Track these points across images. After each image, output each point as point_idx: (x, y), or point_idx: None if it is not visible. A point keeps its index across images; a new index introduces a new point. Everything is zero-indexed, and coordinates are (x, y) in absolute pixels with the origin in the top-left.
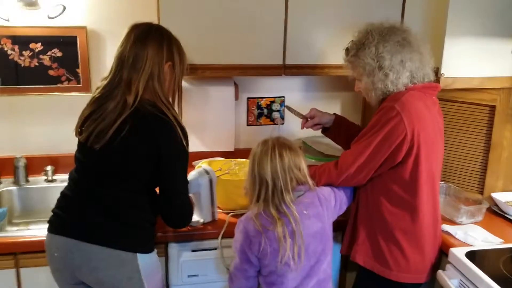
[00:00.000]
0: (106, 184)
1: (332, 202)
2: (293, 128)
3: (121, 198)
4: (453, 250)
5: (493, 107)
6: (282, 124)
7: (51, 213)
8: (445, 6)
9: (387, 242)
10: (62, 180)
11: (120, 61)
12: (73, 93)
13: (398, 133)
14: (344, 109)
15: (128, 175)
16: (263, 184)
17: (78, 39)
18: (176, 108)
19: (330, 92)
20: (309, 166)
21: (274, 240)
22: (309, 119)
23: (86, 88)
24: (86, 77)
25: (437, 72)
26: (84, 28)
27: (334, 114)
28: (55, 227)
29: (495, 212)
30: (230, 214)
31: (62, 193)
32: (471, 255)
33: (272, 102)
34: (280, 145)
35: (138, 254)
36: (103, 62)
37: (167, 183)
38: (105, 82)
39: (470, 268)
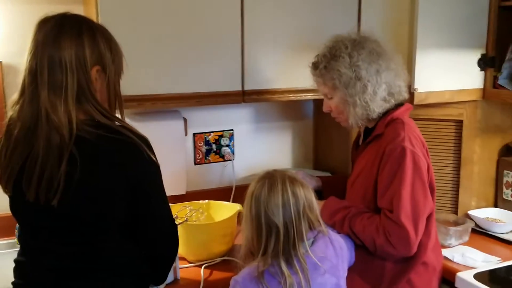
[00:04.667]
0: (77, 240)
1: (347, 251)
2: (245, 163)
3: (102, 248)
4: (460, 274)
5: (460, 121)
6: (233, 159)
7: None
8: (407, 20)
9: (395, 281)
10: None
11: (32, 75)
12: None
13: (421, 164)
14: (296, 138)
15: (101, 223)
16: (273, 232)
17: None
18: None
19: (281, 122)
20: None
21: None
22: None
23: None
24: (2, 120)
25: (409, 87)
26: None
27: (318, 177)
28: None
29: (475, 230)
30: (204, 265)
31: (18, 261)
32: (479, 278)
33: (221, 136)
34: (292, 181)
35: None
36: None
37: (151, 210)
38: (19, 108)
39: None
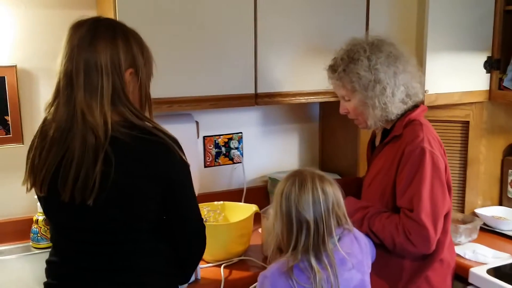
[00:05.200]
0: (111, 240)
1: (370, 248)
2: (253, 165)
3: (135, 248)
4: (473, 270)
5: (467, 122)
6: (242, 162)
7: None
8: (414, 24)
9: (414, 278)
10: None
11: (68, 78)
12: (1, 146)
13: (440, 164)
14: (303, 141)
15: (134, 222)
16: (303, 228)
17: (6, 80)
18: None
19: (288, 125)
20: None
21: None
22: None
23: (17, 138)
24: (17, 125)
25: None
26: (13, 67)
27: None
28: None
29: (482, 228)
30: (224, 264)
31: (51, 261)
32: (492, 273)
33: (230, 139)
34: (321, 178)
35: None
36: (36, 107)
37: (182, 210)
38: (54, 110)
39: (500, 285)
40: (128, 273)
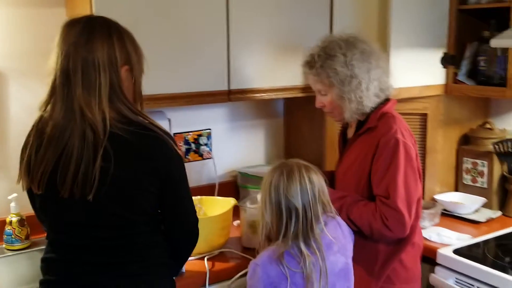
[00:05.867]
0: (111, 234)
1: (351, 233)
2: (222, 161)
3: (135, 241)
4: (440, 251)
5: (425, 115)
6: (212, 157)
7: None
8: (376, 24)
9: (389, 261)
10: None
11: (65, 75)
12: None
13: (412, 153)
14: (268, 136)
15: (133, 216)
16: (293, 215)
17: None
18: None
19: (254, 120)
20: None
21: (301, 285)
22: None
23: None
24: None
25: None
26: None
27: None
28: None
29: (442, 213)
30: (206, 257)
31: (48, 258)
32: (457, 253)
33: (199, 136)
34: (306, 168)
35: None
36: (6, 108)
37: (177, 203)
38: (50, 108)
39: (466, 263)
40: (131, 266)
